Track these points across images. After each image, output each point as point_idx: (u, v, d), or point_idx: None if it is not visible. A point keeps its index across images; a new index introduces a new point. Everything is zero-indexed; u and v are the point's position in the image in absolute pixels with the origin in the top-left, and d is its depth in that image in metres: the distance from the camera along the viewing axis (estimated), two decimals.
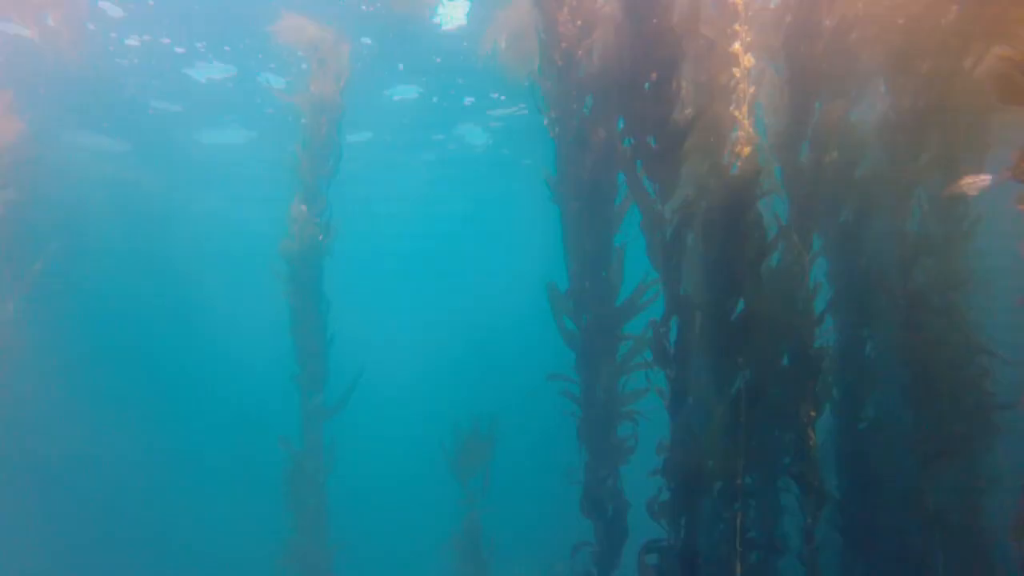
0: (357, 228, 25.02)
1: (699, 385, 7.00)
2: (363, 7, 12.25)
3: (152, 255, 30.41)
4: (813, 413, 6.71)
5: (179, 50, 14.15)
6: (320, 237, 11.69)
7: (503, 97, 16.72)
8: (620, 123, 6.82)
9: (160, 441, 23.47)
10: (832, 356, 7.20)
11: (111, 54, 14.09)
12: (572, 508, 7.74)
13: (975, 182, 5.01)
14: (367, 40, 13.66)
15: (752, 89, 6.07)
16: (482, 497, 10.47)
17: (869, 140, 7.08)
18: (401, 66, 15.12)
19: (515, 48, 9.51)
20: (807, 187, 6.68)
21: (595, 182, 7.20)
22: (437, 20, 12.82)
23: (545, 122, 7.38)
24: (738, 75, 5.92)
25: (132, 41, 13.63)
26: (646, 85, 5.89)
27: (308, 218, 11.65)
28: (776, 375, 6.87)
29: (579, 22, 6.50)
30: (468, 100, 17.25)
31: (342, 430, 11.40)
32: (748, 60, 5.96)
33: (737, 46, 5.91)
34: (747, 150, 5.88)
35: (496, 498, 10.64)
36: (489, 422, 10.85)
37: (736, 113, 5.94)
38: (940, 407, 6.79)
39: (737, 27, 5.90)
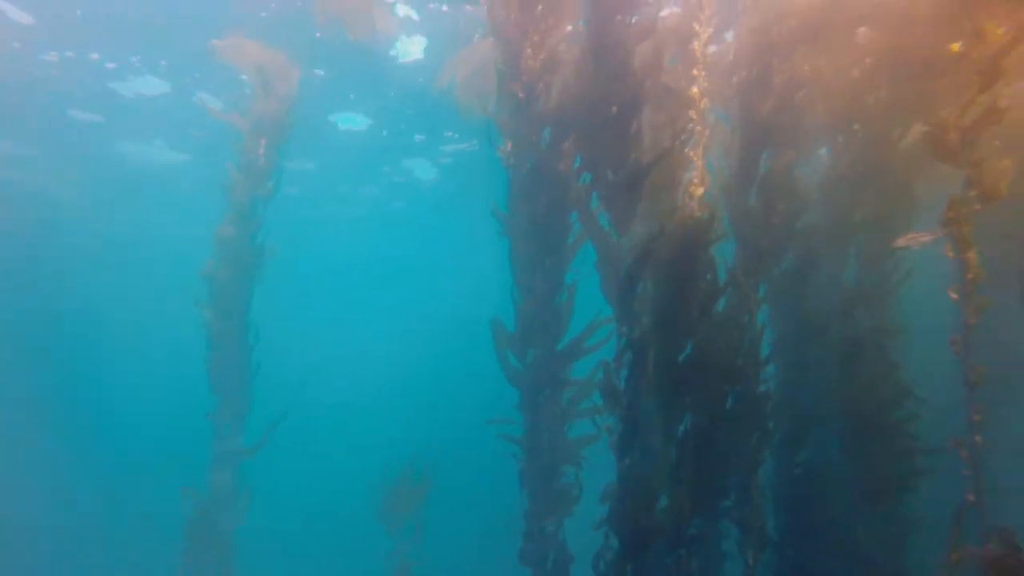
0: (297, 255, 24.13)
1: (648, 428, 6.91)
2: (317, 34, 12.04)
3: (38, 264, 27.79)
4: (757, 456, 6.75)
5: (110, 65, 13.41)
6: (250, 260, 11.06)
7: (455, 134, 16.76)
8: (578, 160, 6.84)
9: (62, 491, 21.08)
10: (774, 400, 7.32)
11: (26, 62, 13.17)
12: (514, 556, 7.40)
13: (917, 238, 5.33)
14: (319, 71, 13.42)
15: (707, 131, 6.24)
16: (413, 544, 9.90)
17: (812, 193, 7.43)
18: (352, 95, 14.91)
19: (471, 84, 9.46)
20: (754, 233, 6.88)
21: (548, 216, 7.14)
22: (394, 53, 12.75)
23: (500, 155, 7.30)
24: (695, 118, 6.07)
25: (51, 56, 12.82)
26: (607, 123, 5.95)
27: (238, 240, 11.03)
28: (722, 418, 6.89)
29: (541, 57, 6.54)
30: (419, 137, 17.20)
31: (267, 468, 10.57)
32: (705, 103, 6.14)
33: (695, 90, 6.08)
34: (700, 191, 5.99)
35: (432, 543, 10.09)
36: (423, 463, 10.36)
37: (692, 154, 6.07)
38: (872, 451, 6.99)
39: (695, 71, 6.09)
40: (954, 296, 5.37)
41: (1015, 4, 5.59)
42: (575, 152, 6.67)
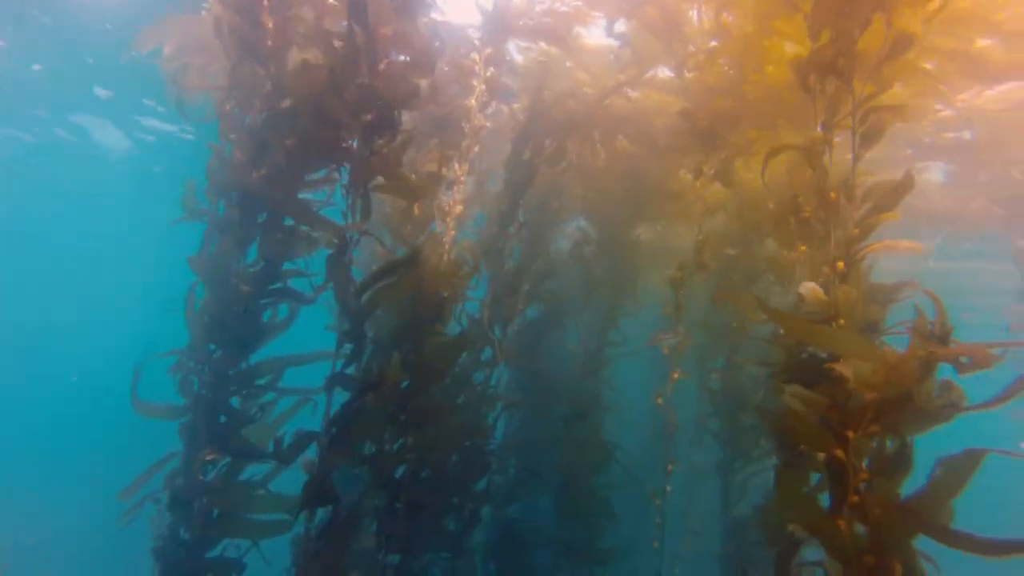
0: None
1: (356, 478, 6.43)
2: None
3: None
4: (476, 508, 6.74)
5: None
6: None
7: (164, 108, 14.59)
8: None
9: None
10: (500, 452, 7.49)
11: None
12: None
13: (661, 338, 6.01)
14: None
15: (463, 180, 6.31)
16: None
17: (562, 259, 8.09)
18: None
19: (179, 60, 7.55)
20: (503, 289, 7.18)
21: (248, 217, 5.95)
22: None
23: (213, 147, 5.93)
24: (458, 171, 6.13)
25: None
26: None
27: None
28: (449, 469, 6.81)
29: (271, 43, 5.46)
30: (103, 92, 14.43)
31: None
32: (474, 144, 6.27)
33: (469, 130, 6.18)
34: (452, 233, 5.99)
35: None
36: None
37: (456, 181, 6.03)
38: (580, 506, 7.44)
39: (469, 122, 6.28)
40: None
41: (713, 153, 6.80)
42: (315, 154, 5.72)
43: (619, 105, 7.79)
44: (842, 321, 3.86)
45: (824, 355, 4.20)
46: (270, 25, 4.80)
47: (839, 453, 3.39)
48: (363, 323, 4.81)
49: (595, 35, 7.39)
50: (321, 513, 5.02)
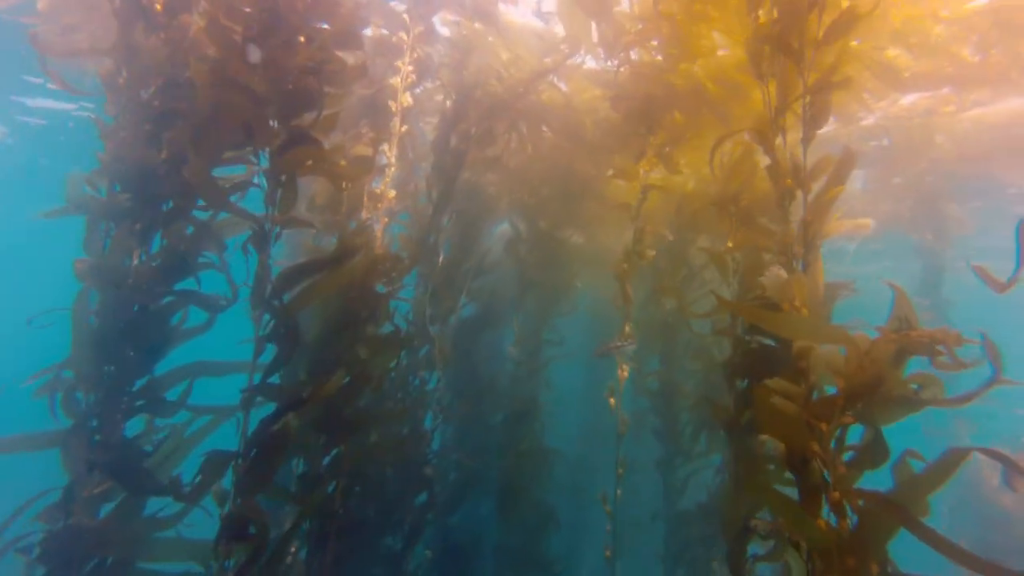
0: None
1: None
2: None
3: None
4: (419, 520, 6.28)
5: None
6: None
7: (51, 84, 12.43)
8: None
9: None
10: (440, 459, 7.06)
11: None
12: None
13: (611, 347, 5.76)
14: None
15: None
16: None
17: (496, 255, 7.74)
18: None
19: (58, 20, 6.19)
20: (437, 285, 6.75)
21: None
22: None
23: (100, 124, 5.08)
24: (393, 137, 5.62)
25: None
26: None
27: None
28: (386, 483, 6.31)
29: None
30: None
31: None
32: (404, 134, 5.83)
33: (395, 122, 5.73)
34: (384, 221, 5.50)
35: None
36: None
37: (378, 190, 5.60)
38: (522, 511, 7.12)
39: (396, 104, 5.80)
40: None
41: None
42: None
43: (547, 95, 7.56)
44: (805, 309, 3.73)
45: (774, 345, 4.09)
46: None
47: (814, 446, 3.22)
48: (288, 323, 4.24)
49: (521, 12, 7.11)
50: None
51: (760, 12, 4.33)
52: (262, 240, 4.28)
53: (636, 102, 6.20)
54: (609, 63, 6.45)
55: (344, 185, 4.56)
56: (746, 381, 4.23)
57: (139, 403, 4.28)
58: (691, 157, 6.99)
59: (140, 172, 4.13)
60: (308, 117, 4.28)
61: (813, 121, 3.88)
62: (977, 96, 8.50)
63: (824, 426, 3.25)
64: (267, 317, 4.31)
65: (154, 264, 4.14)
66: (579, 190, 8.43)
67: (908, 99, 8.69)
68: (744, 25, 4.77)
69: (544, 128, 7.66)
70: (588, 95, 7.41)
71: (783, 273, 3.78)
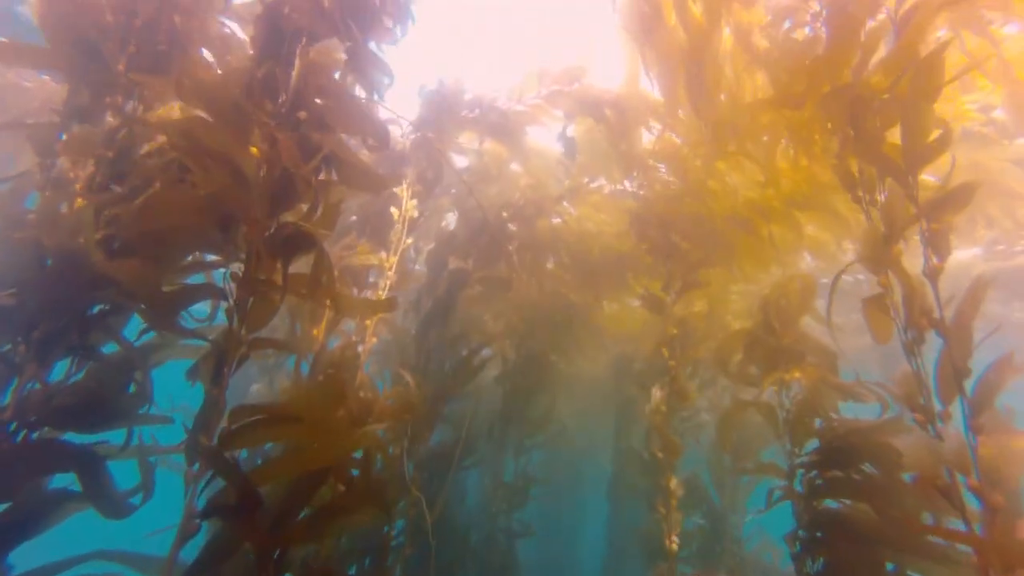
0: None
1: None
2: None
3: None
4: None
5: None
6: None
7: None
8: None
9: None
10: None
11: None
12: None
13: None
14: None
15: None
16: None
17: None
18: None
19: None
20: (421, 421, 5.57)
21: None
22: None
23: None
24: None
25: None
26: None
27: None
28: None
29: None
30: None
31: None
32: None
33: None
34: (372, 340, 4.41)
35: None
36: None
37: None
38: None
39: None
40: None
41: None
42: None
43: (556, 226, 7.02)
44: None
45: None
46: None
47: None
48: (245, 490, 2.94)
49: (537, 135, 6.60)
50: None
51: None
52: (218, 365, 3.09)
53: (654, 228, 5.64)
54: (627, 185, 5.95)
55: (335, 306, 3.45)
56: None
57: None
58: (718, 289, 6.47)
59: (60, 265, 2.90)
60: (302, 209, 3.29)
61: (935, 248, 3.21)
62: None
63: None
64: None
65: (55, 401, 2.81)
66: (569, 317, 7.90)
67: None
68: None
69: (550, 257, 7.01)
70: (597, 219, 6.86)
71: (924, 436, 2.91)
